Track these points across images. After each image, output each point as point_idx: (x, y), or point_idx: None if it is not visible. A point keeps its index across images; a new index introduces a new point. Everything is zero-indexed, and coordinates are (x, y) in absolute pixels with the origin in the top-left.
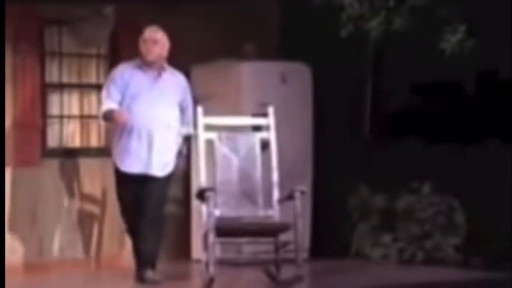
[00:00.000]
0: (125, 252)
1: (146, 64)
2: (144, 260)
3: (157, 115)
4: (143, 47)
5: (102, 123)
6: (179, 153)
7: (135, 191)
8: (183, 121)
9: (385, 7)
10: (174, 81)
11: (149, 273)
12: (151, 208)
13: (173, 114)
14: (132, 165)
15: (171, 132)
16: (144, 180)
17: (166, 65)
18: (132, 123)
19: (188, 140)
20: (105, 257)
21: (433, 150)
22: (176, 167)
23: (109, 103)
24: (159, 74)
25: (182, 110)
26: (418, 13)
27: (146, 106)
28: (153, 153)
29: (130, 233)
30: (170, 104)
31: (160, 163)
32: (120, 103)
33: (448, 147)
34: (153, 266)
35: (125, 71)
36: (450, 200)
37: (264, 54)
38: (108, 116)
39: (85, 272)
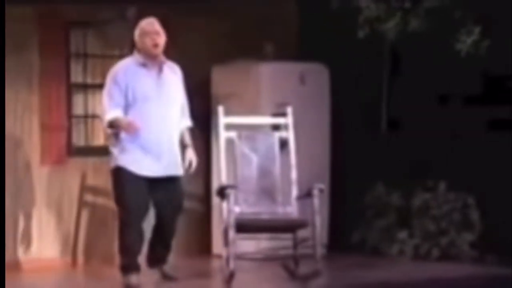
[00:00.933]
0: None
1: (149, 59)
2: (154, 257)
3: (165, 115)
4: (147, 41)
5: (108, 130)
6: (185, 147)
7: (146, 193)
8: (182, 114)
9: (401, 9)
10: (174, 76)
11: (167, 267)
12: (171, 208)
13: (177, 112)
14: (144, 168)
15: (177, 130)
16: (158, 182)
17: (163, 57)
18: (141, 126)
19: (190, 132)
20: None
21: (448, 149)
22: (189, 161)
23: (114, 110)
24: (161, 69)
25: (181, 105)
26: (434, 15)
27: (155, 107)
28: (165, 154)
29: (129, 235)
30: (175, 102)
31: (172, 163)
32: (125, 106)
33: (464, 145)
34: (165, 261)
35: (127, 71)
36: (465, 197)
37: (283, 55)
38: (115, 125)
39: (110, 268)
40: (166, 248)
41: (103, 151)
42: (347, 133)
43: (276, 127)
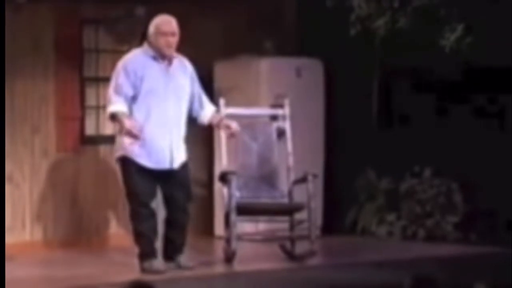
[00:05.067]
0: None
1: (160, 56)
2: (172, 248)
3: (174, 109)
4: (161, 40)
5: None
6: (220, 120)
7: (152, 181)
8: (203, 106)
9: (390, 8)
10: (183, 70)
11: (182, 259)
12: (182, 197)
13: (185, 105)
14: (150, 161)
15: (183, 123)
16: (168, 174)
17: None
18: (139, 135)
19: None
20: None
21: (434, 137)
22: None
23: (118, 102)
24: (170, 63)
25: (197, 97)
26: (421, 13)
27: (162, 100)
28: (174, 147)
29: (142, 221)
30: (182, 96)
31: (177, 155)
32: (133, 97)
33: (448, 134)
34: (181, 251)
35: (138, 62)
36: (449, 182)
37: (281, 50)
38: (117, 120)
39: (127, 248)
40: (183, 237)
41: (112, 140)
42: (340, 123)
43: (274, 118)
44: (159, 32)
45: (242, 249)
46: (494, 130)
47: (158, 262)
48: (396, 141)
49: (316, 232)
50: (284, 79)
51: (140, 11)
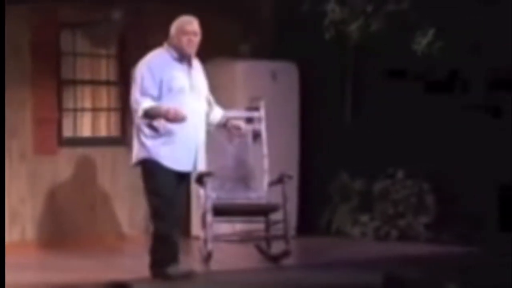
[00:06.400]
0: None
1: (183, 56)
2: (175, 254)
3: (197, 109)
4: (184, 39)
5: (141, 120)
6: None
7: (175, 187)
8: (212, 106)
9: (364, 13)
10: (200, 70)
11: (181, 266)
12: (184, 201)
13: (205, 105)
14: (176, 162)
15: (205, 124)
16: (183, 176)
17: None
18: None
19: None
20: (123, 236)
21: (407, 139)
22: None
23: (147, 100)
24: (190, 63)
25: (208, 98)
26: (393, 18)
27: (188, 100)
28: (196, 148)
29: (164, 230)
30: (203, 96)
31: (201, 158)
32: (158, 98)
33: (420, 136)
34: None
35: (162, 62)
36: (421, 183)
37: (257, 53)
38: (153, 114)
39: (105, 249)
40: (178, 244)
41: (90, 142)
42: (314, 126)
43: (249, 120)
44: (182, 32)
45: (218, 249)
46: (466, 132)
47: (182, 265)
48: (369, 143)
49: (291, 232)
50: (260, 82)
51: (117, 15)
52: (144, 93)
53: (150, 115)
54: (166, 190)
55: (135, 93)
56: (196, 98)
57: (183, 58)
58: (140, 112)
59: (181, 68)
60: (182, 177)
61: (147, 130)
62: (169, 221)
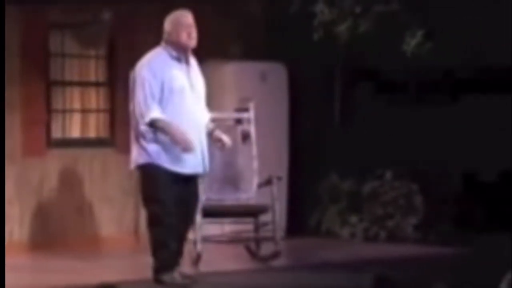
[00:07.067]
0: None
1: (180, 52)
2: (177, 260)
3: (198, 109)
4: (183, 34)
5: (145, 127)
6: (213, 131)
7: (178, 192)
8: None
9: (352, 13)
10: (197, 68)
11: (183, 271)
12: (194, 204)
13: (204, 105)
14: (180, 165)
15: (205, 124)
16: (188, 180)
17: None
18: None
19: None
20: (112, 238)
21: (395, 140)
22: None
23: (156, 108)
24: (188, 62)
25: None
26: (382, 19)
27: (189, 101)
28: (204, 150)
29: (162, 236)
30: (202, 95)
31: (205, 159)
32: (160, 99)
33: (408, 138)
34: (179, 263)
35: (163, 63)
36: (409, 185)
37: (247, 55)
38: (162, 130)
39: (93, 251)
40: (183, 248)
41: (79, 143)
42: (303, 126)
43: (239, 121)
44: (179, 25)
45: (208, 251)
46: (455, 134)
47: (178, 275)
48: (358, 144)
49: (280, 233)
50: (249, 83)
51: (106, 16)
52: (150, 97)
53: (157, 127)
54: (165, 196)
55: (139, 97)
56: (196, 98)
57: (182, 56)
58: (147, 120)
59: (180, 67)
60: (186, 181)
61: (150, 135)
62: (167, 227)
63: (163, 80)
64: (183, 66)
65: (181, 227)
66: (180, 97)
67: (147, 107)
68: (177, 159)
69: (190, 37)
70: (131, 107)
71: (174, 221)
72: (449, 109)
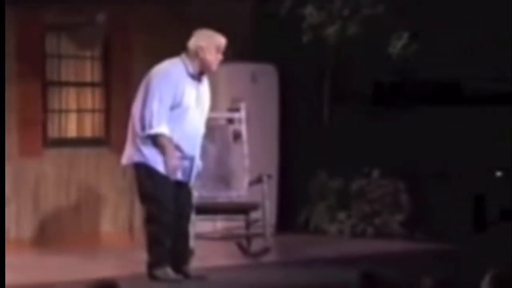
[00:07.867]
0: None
1: (199, 70)
2: (179, 257)
3: (200, 126)
4: (213, 55)
5: (145, 134)
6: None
7: (172, 191)
8: None
9: (341, 16)
10: (207, 84)
11: (189, 268)
12: (189, 207)
13: (205, 119)
14: (178, 173)
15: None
16: (183, 184)
17: None
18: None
19: None
20: (107, 235)
21: (382, 139)
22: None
23: (163, 123)
24: (201, 80)
25: None
26: (369, 22)
27: (193, 117)
28: (196, 160)
29: (157, 233)
30: (205, 113)
31: (195, 171)
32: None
33: (395, 136)
34: (187, 262)
35: (179, 75)
36: (396, 183)
37: (238, 56)
38: (159, 143)
39: (89, 248)
40: (187, 248)
41: (75, 143)
42: (293, 126)
43: (230, 121)
44: (215, 45)
45: (200, 247)
46: (441, 132)
47: (171, 271)
48: (346, 143)
49: (270, 230)
50: (240, 83)
51: (101, 17)
52: (163, 111)
53: (157, 139)
54: (160, 194)
55: (152, 106)
56: (199, 113)
57: (197, 73)
58: (153, 131)
59: (192, 85)
60: (179, 184)
61: (147, 140)
62: (162, 224)
63: (175, 94)
64: (195, 83)
65: (177, 225)
66: (184, 112)
67: (158, 121)
68: (165, 163)
69: (216, 62)
70: (134, 108)
71: (170, 219)
72: (436, 109)
